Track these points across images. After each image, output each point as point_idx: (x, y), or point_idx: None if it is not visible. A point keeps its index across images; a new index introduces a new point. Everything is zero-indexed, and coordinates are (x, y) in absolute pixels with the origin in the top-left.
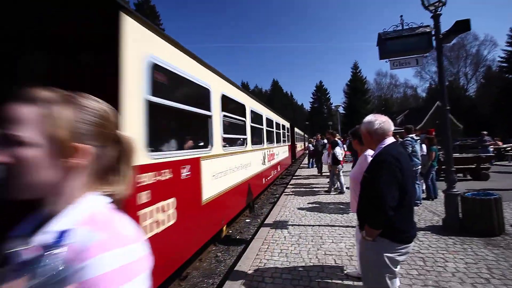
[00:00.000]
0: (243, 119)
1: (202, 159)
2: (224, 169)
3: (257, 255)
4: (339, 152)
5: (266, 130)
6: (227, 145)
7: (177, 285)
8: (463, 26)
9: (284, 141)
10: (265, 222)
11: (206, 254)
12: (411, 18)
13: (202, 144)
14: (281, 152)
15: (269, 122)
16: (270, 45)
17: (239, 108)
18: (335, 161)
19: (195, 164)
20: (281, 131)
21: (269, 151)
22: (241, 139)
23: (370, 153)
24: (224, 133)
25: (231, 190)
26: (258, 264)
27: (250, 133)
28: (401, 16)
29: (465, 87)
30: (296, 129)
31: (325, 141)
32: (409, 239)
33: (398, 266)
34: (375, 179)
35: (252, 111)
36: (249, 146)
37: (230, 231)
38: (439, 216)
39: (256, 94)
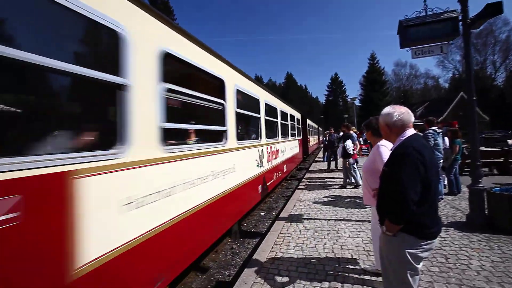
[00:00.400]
0: (221, 101)
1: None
2: (167, 186)
3: (272, 248)
4: (350, 145)
5: (267, 120)
6: (177, 143)
7: (194, 275)
8: (494, 9)
9: (293, 134)
10: (280, 216)
11: (222, 246)
12: (436, 3)
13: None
14: (289, 148)
15: (272, 111)
16: (284, 38)
17: (211, 85)
18: (345, 155)
19: None
20: (289, 122)
21: (270, 147)
22: (217, 132)
23: (383, 143)
24: (166, 120)
25: (188, 218)
26: (273, 257)
27: (235, 123)
28: (425, 1)
29: (492, 76)
30: (309, 121)
31: (341, 134)
32: (433, 235)
33: (421, 263)
34: (396, 173)
35: (239, 92)
36: (232, 142)
37: (245, 224)
38: (462, 212)
39: (270, 87)
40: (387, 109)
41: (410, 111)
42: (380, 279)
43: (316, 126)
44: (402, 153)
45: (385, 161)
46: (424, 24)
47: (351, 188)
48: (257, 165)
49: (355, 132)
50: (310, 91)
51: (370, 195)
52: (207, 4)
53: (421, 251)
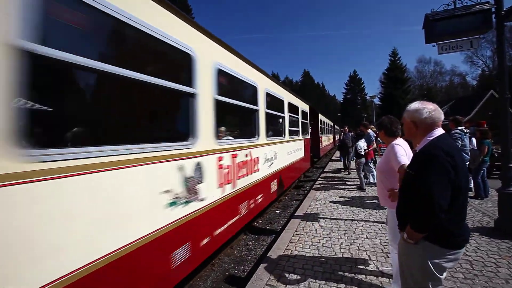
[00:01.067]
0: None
1: None
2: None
3: (287, 246)
4: (361, 145)
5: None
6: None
7: (210, 269)
8: None
9: (295, 132)
10: (295, 214)
11: (237, 242)
12: None
13: None
14: (285, 153)
15: (252, 96)
16: (301, 35)
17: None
18: (358, 155)
19: None
20: (286, 114)
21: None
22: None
23: (398, 142)
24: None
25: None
26: (289, 255)
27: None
28: None
29: None
30: (322, 117)
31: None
32: (460, 244)
33: (445, 273)
34: (424, 177)
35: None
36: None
37: (260, 221)
38: (490, 217)
39: (287, 85)
40: (415, 105)
41: (439, 109)
42: (385, 279)
43: (332, 124)
44: (430, 155)
45: (400, 158)
46: (452, 18)
47: (371, 187)
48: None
49: (373, 131)
50: (328, 89)
51: (386, 196)
52: (225, 1)
53: (445, 261)
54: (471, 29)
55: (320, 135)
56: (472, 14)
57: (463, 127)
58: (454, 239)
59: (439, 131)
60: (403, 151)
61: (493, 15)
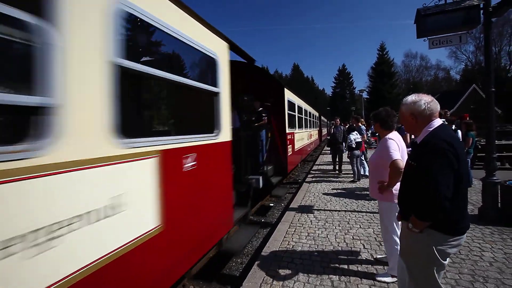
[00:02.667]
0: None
1: None
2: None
3: (284, 237)
4: (352, 137)
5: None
6: None
7: (207, 261)
8: None
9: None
10: (290, 206)
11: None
12: None
13: None
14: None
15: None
16: (290, 27)
17: None
18: (350, 147)
19: None
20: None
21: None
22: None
23: (392, 136)
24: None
25: None
26: (286, 246)
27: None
28: None
29: (507, 68)
30: (293, 98)
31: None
32: (463, 230)
33: (448, 259)
34: (427, 167)
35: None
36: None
37: (255, 214)
38: (474, 205)
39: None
40: (412, 98)
41: (435, 100)
42: (380, 266)
43: (326, 120)
44: (432, 146)
45: (392, 153)
46: (443, 13)
47: (363, 179)
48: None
49: (363, 125)
50: (317, 83)
51: (377, 188)
52: None
53: (449, 247)
54: (460, 25)
55: (289, 131)
56: (462, 10)
57: (444, 120)
58: (457, 226)
59: (438, 122)
60: (396, 146)
61: (481, 11)
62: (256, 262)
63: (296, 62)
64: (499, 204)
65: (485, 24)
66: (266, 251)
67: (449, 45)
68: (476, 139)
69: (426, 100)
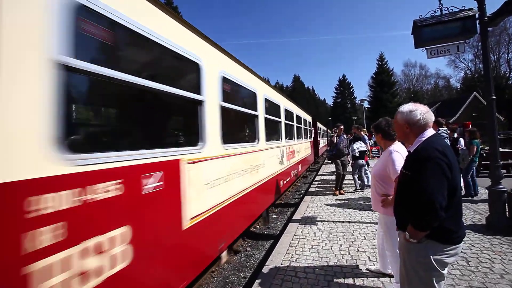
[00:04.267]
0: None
1: None
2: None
3: (288, 250)
4: (355, 147)
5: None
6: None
7: (210, 277)
8: None
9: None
10: (293, 218)
11: (236, 248)
12: (451, 2)
13: None
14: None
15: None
16: (291, 40)
17: None
18: (353, 157)
19: None
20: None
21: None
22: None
23: (396, 148)
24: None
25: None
26: (289, 259)
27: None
28: (440, 0)
29: (507, 75)
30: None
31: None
32: (459, 239)
33: (446, 268)
34: (421, 177)
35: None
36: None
37: (258, 226)
38: (481, 214)
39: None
40: (408, 107)
41: (430, 110)
42: (386, 279)
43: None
44: (426, 156)
45: (398, 168)
46: (439, 24)
47: (353, 191)
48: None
49: (366, 134)
50: (318, 93)
51: (379, 201)
52: (215, 5)
53: (447, 257)
54: (457, 34)
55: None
56: (458, 20)
57: (445, 128)
58: (453, 235)
59: (430, 132)
60: (402, 159)
61: (477, 21)
62: (259, 277)
63: (297, 73)
64: (507, 213)
65: (481, 34)
66: (269, 264)
67: (447, 55)
68: (480, 146)
69: (422, 111)
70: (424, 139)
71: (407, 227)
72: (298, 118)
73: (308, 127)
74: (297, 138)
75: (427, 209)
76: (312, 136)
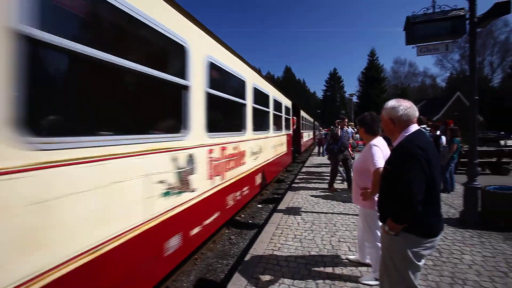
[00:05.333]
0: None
1: None
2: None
3: (271, 239)
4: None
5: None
6: None
7: (193, 264)
8: (502, 8)
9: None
10: (277, 208)
11: (219, 236)
12: (443, 1)
13: None
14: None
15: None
16: (283, 30)
17: None
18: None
19: None
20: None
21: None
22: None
23: (376, 142)
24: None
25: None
26: (272, 248)
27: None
28: None
29: (489, 77)
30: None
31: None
32: (436, 233)
33: (423, 260)
34: (402, 172)
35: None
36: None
37: (242, 215)
38: (456, 209)
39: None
40: (391, 103)
41: (414, 106)
42: (364, 268)
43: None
44: (407, 152)
45: (377, 162)
46: (431, 22)
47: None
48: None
49: (352, 128)
50: (308, 86)
51: (359, 194)
52: None
53: (423, 249)
54: (447, 33)
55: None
56: (448, 19)
57: (425, 126)
58: (430, 229)
59: (414, 127)
60: (381, 153)
61: (467, 21)
62: (241, 265)
63: (288, 65)
64: (479, 208)
65: (470, 34)
66: (252, 253)
67: (436, 53)
68: (461, 145)
69: (404, 106)
70: (407, 134)
71: (387, 220)
72: (276, 103)
73: (285, 115)
74: (271, 130)
75: (404, 203)
76: (292, 127)
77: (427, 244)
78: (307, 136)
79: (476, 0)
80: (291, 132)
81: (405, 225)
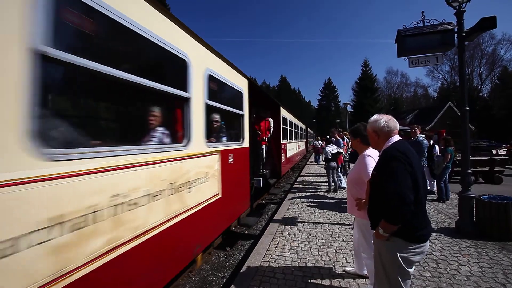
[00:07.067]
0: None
1: None
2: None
3: (267, 250)
4: (327, 149)
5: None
6: None
7: (187, 277)
8: (489, 23)
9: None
10: (274, 218)
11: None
12: (432, 15)
13: None
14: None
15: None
16: (278, 40)
17: None
18: (326, 159)
19: None
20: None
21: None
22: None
23: (370, 152)
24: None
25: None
26: (269, 260)
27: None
28: (423, 12)
29: (478, 87)
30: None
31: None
32: (424, 237)
33: (413, 267)
34: (388, 174)
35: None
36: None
37: (238, 226)
38: (451, 218)
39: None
40: (374, 117)
41: (394, 119)
42: (361, 281)
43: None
44: (390, 156)
45: (370, 173)
46: (421, 35)
47: (344, 191)
48: None
49: (347, 137)
50: (303, 95)
51: (354, 204)
52: (203, 2)
53: (412, 255)
54: (436, 46)
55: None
56: (438, 33)
57: (423, 136)
58: (418, 233)
59: (396, 138)
60: (374, 164)
61: (455, 35)
62: (237, 277)
63: (284, 74)
64: (474, 217)
65: (459, 47)
66: (248, 265)
67: (427, 65)
68: (454, 154)
69: (385, 119)
70: (390, 143)
71: (380, 222)
72: (298, 126)
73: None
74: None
75: (398, 201)
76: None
77: (416, 250)
78: (294, 148)
79: (463, 14)
80: (248, 145)
81: (399, 225)
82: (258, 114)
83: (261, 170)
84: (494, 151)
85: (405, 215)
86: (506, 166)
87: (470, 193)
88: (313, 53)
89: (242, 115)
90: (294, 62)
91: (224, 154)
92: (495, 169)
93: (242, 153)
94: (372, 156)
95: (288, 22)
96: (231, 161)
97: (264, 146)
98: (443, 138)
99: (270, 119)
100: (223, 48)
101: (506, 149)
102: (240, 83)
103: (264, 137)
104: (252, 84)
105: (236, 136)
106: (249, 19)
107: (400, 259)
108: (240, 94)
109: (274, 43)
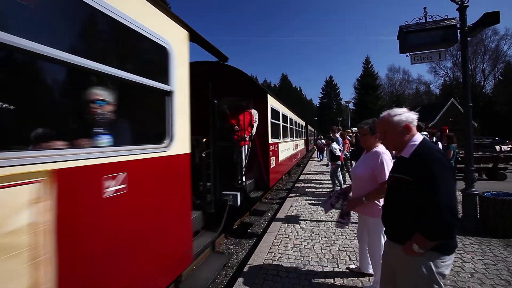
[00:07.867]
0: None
1: None
2: None
3: (270, 249)
4: (335, 147)
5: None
6: None
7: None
8: (492, 18)
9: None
10: (276, 217)
11: (218, 246)
12: (435, 11)
13: None
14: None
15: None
16: (279, 39)
17: None
18: (333, 157)
19: None
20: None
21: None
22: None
23: (383, 150)
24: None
25: None
26: (272, 258)
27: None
28: (425, 8)
29: (481, 83)
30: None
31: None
32: (454, 248)
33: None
34: (434, 181)
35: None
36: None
37: (241, 224)
38: None
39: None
40: (397, 111)
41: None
42: (365, 278)
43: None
44: (432, 158)
45: (387, 175)
46: (423, 31)
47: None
48: None
49: (348, 135)
50: (305, 93)
51: (362, 203)
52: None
53: (446, 268)
54: (439, 42)
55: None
56: (440, 29)
57: (426, 133)
58: (453, 243)
59: (420, 136)
60: (391, 164)
61: (458, 31)
62: (241, 275)
63: (285, 72)
64: (478, 214)
65: (461, 43)
66: (251, 263)
67: (429, 61)
68: (457, 151)
69: (409, 115)
70: (418, 142)
71: (414, 237)
72: (297, 123)
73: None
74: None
75: (445, 215)
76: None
77: (448, 262)
78: (291, 148)
79: (466, 10)
80: (186, 150)
81: (439, 241)
82: (236, 104)
83: (240, 182)
84: (497, 148)
85: (455, 231)
86: (510, 163)
87: (473, 190)
88: (315, 50)
89: (169, 93)
90: (295, 60)
91: (84, 176)
92: (498, 166)
93: (164, 168)
94: (388, 155)
95: (288, 22)
96: (122, 189)
97: (244, 148)
98: (446, 135)
99: (253, 111)
100: (227, 44)
101: (509, 146)
102: (163, 31)
103: (246, 135)
104: (201, 41)
105: (148, 134)
106: (250, 17)
107: (437, 275)
108: (162, 53)
109: (275, 41)
